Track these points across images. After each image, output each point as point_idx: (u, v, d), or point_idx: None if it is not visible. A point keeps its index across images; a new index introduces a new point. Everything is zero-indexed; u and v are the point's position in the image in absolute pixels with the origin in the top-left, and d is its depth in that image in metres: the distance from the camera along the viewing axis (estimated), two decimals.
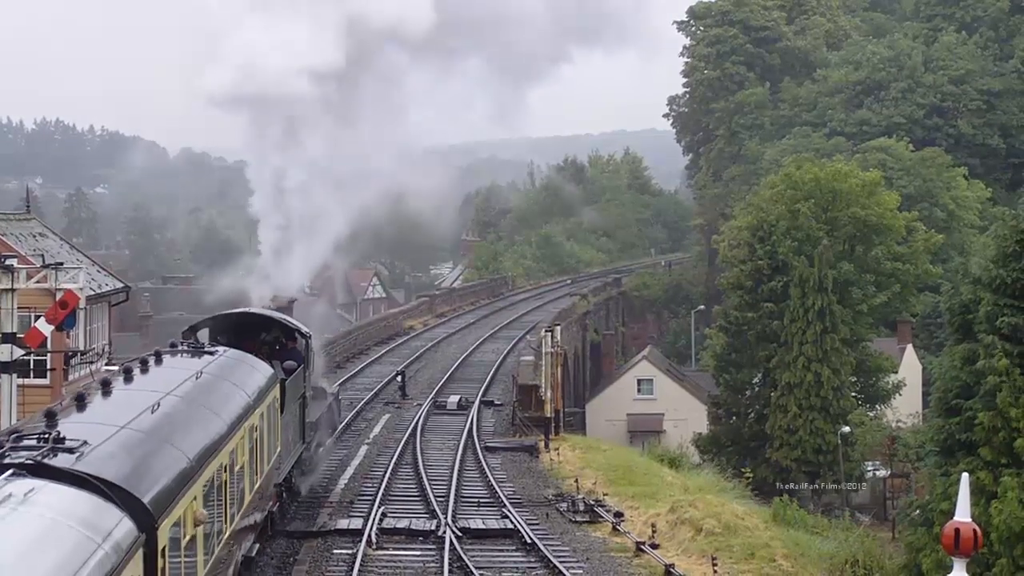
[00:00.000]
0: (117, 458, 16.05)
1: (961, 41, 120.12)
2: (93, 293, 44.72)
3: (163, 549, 15.73)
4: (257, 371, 27.32)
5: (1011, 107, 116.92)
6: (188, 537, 17.60)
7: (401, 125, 53.37)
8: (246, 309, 36.24)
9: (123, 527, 14.42)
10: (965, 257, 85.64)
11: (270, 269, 42.47)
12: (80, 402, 18.15)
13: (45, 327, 32.81)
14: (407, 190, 55.86)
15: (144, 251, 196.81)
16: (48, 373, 42.18)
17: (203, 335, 31.18)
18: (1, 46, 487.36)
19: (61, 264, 37.43)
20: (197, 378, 23.06)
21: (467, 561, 29.51)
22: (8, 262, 33.07)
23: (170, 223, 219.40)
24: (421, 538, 32.26)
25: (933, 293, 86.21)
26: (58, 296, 33.45)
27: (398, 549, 31.36)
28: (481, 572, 28.92)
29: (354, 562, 29.30)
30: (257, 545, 27.04)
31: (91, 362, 43.11)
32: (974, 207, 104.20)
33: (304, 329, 35.34)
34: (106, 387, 19.81)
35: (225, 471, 21.10)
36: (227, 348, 28.15)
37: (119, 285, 51.33)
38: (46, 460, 14.70)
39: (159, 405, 19.49)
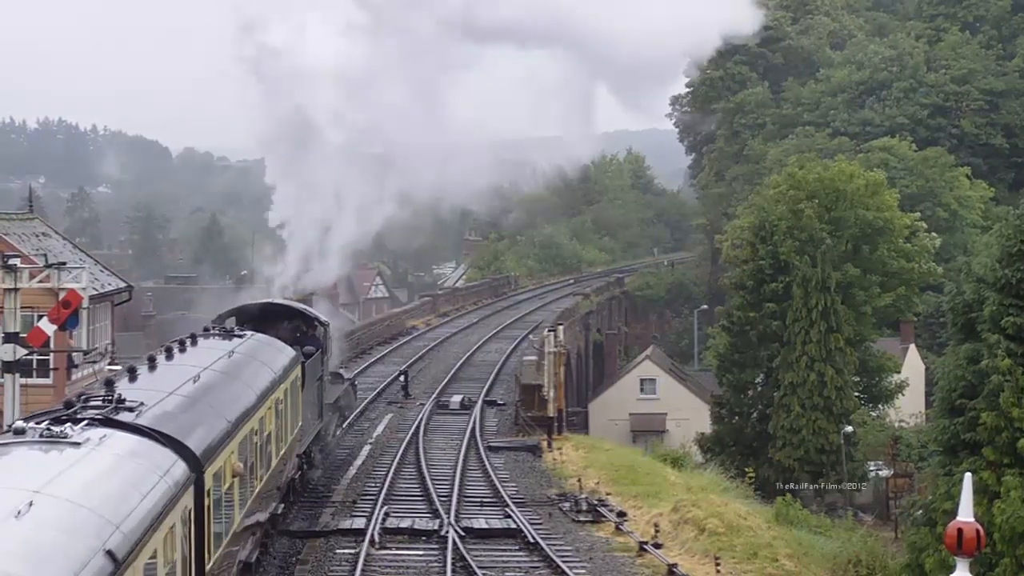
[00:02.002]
0: (169, 416, 19.41)
1: (964, 41, 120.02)
2: (96, 293, 44.78)
3: (208, 490, 19.19)
4: (281, 352, 30.33)
5: (1014, 107, 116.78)
6: (227, 484, 21.08)
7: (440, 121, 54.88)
8: (269, 300, 39.10)
9: (178, 467, 17.79)
10: (968, 257, 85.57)
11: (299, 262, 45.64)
12: (132, 374, 21.50)
13: (48, 327, 32.85)
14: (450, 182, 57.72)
15: (146, 251, 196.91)
16: (51, 373, 42.23)
17: (231, 323, 33.43)
18: (3, 46, 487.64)
19: (64, 264, 37.46)
20: (230, 356, 26.16)
21: (470, 561, 29.52)
22: (11, 262, 33.12)
23: (173, 223, 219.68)
24: (424, 538, 32.28)
25: (936, 293, 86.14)
26: (61, 296, 33.49)
27: (401, 549, 31.37)
28: (484, 572, 28.93)
29: (357, 562, 29.32)
30: (282, 505, 30.28)
31: (94, 362, 43.12)
32: (977, 207, 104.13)
33: (322, 318, 38.31)
34: (152, 362, 22.93)
35: (256, 435, 24.36)
36: (254, 332, 30.81)
37: (122, 285, 51.40)
38: (113, 415, 17.92)
39: (199, 377, 22.68)
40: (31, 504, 13.39)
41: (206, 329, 30.28)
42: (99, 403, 18.47)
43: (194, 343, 26.89)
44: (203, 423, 20.51)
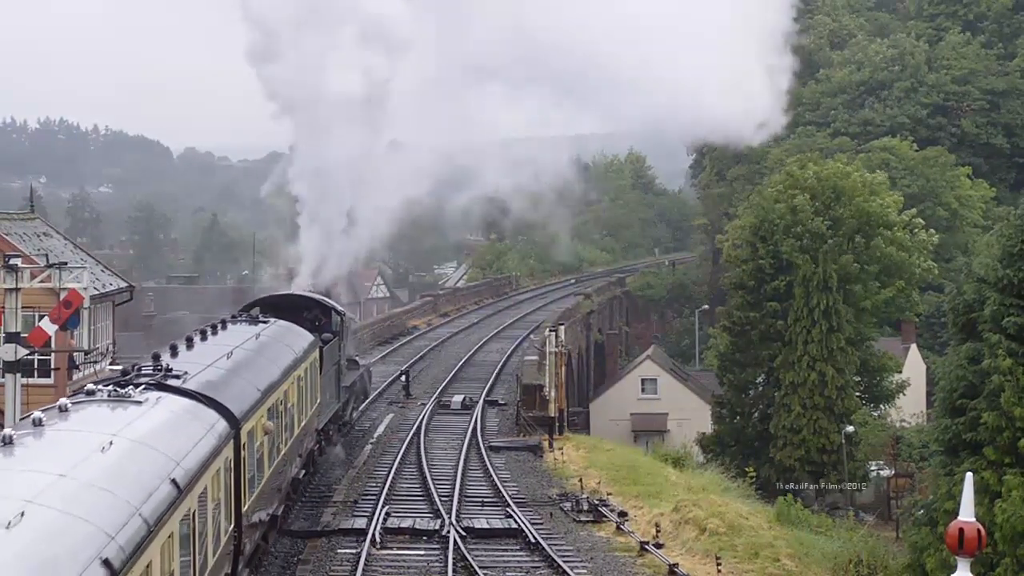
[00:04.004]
0: (211, 383, 22.72)
1: (965, 41, 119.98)
2: (97, 293, 44.79)
3: (244, 445, 22.73)
4: (301, 337, 33.81)
5: (1015, 106, 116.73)
6: (259, 442, 24.69)
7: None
8: (290, 291, 42.47)
9: (220, 424, 21.30)
10: (968, 256, 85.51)
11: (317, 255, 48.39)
12: (173, 350, 24.55)
13: (49, 327, 32.89)
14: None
15: (148, 250, 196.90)
16: (52, 373, 42.23)
17: (255, 312, 36.38)
18: (4, 45, 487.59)
19: (65, 264, 37.50)
20: (257, 338, 29.65)
21: (471, 561, 29.54)
22: (12, 262, 33.15)
23: (174, 223, 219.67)
24: (425, 538, 32.30)
25: (937, 293, 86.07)
26: (62, 296, 33.52)
27: (402, 549, 31.39)
28: (485, 572, 28.94)
29: (358, 562, 29.34)
30: (304, 471, 34.01)
31: (95, 362, 43.14)
32: (978, 206, 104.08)
33: (339, 308, 41.71)
34: (189, 342, 26.20)
35: (281, 404, 27.82)
36: (277, 319, 34.21)
37: (123, 284, 51.39)
38: (164, 381, 21.22)
39: (232, 354, 25.99)
40: (111, 443, 16.45)
41: (234, 316, 33.61)
42: (150, 372, 21.76)
43: (224, 327, 30.16)
44: (238, 390, 23.86)
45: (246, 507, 23.19)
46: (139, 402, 19.40)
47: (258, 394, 25.04)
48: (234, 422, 21.97)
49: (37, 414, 17.20)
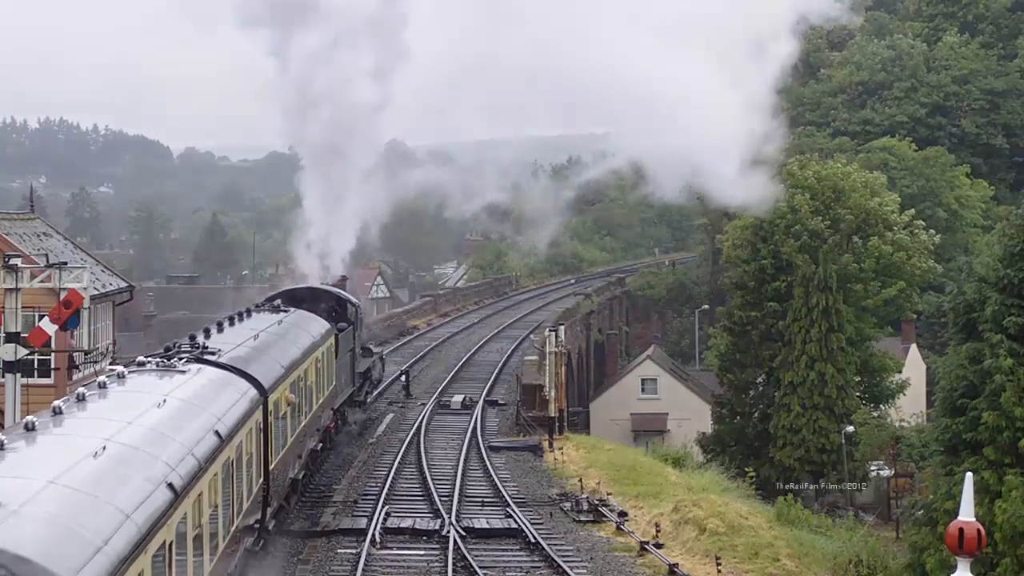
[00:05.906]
0: (242, 358, 26.28)
1: (964, 41, 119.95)
2: (97, 293, 44.76)
3: (271, 411, 26.33)
4: (318, 324, 37.36)
5: (1015, 107, 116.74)
6: (282, 412, 28.27)
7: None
8: (308, 285, 45.39)
9: (251, 392, 24.86)
10: (968, 256, 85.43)
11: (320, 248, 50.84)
12: (207, 332, 27.86)
13: (49, 327, 32.88)
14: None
15: (148, 250, 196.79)
16: (52, 372, 42.20)
17: (277, 303, 38.61)
18: (5, 46, 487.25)
19: (65, 264, 37.50)
20: (279, 324, 33.15)
21: (471, 561, 29.53)
22: (12, 262, 33.16)
23: (174, 222, 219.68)
24: (425, 538, 32.29)
25: (937, 293, 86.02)
26: (62, 296, 33.52)
27: (402, 549, 31.39)
28: (485, 572, 28.93)
29: (358, 562, 29.33)
30: (321, 444, 37.08)
31: (95, 362, 43.10)
32: (977, 206, 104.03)
33: (354, 300, 45.16)
34: (220, 326, 29.69)
35: (301, 381, 31.27)
36: (296, 309, 37.60)
37: (123, 284, 51.33)
38: (202, 356, 24.62)
39: (258, 336, 29.63)
40: (165, 400, 19.72)
41: (257, 306, 36.88)
42: (189, 348, 25.16)
43: (249, 315, 33.65)
44: (265, 365, 27.30)
45: (272, 465, 26.70)
46: (183, 371, 22.68)
47: (282, 370, 28.53)
48: (262, 391, 25.44)
49: (102, 378, 20.50)
